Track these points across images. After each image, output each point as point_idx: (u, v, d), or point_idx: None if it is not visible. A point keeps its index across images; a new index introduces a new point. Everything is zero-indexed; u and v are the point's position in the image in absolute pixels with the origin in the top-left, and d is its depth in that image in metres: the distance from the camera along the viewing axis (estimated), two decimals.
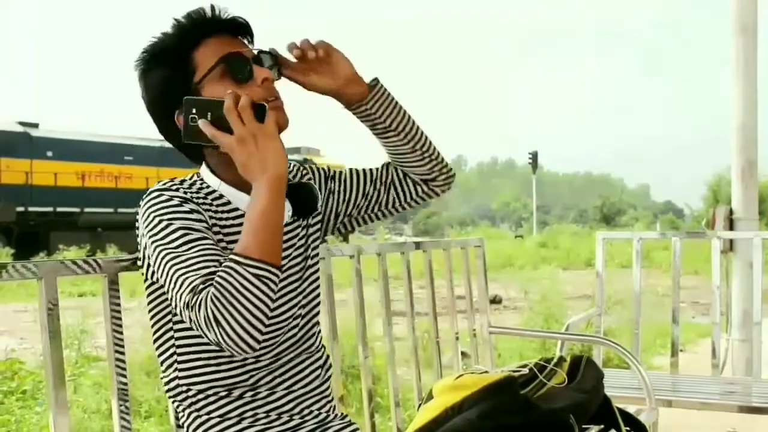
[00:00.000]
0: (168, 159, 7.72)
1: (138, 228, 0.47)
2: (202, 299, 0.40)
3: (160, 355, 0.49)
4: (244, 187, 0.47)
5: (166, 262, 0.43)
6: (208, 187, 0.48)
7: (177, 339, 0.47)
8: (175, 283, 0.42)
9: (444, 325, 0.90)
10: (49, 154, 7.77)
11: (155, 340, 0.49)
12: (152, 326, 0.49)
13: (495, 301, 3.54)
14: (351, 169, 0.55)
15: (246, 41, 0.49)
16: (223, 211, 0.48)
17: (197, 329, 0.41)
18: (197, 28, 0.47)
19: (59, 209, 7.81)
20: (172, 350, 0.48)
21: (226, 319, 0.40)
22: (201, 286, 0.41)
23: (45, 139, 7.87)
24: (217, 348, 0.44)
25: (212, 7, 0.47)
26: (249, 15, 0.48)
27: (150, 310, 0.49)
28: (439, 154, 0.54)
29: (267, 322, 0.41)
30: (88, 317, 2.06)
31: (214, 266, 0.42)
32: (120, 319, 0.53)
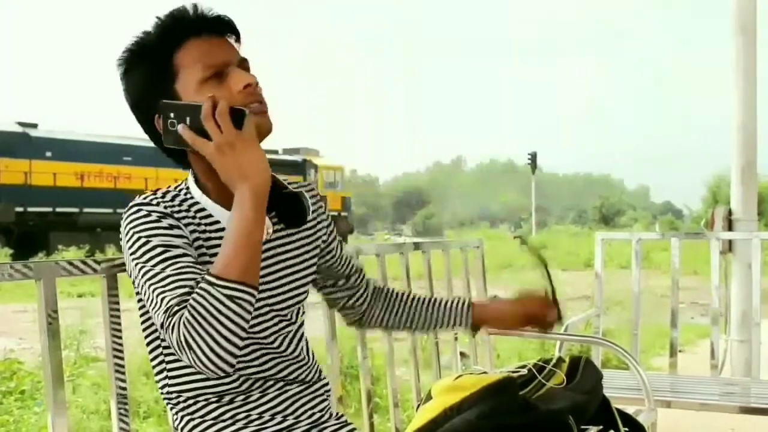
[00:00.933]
0: (167, 159, 7.93)
1: (121, 236, 0.46)
2: (174, 322, 0.40)
3: (152, 360, 0.49)
4: (227, 201, 0.45)
5: (145, 280, 0.43)
6: (192, 198, 0.47)
7: (165, 348, 0.47)
8: (152, 302, 0.42)
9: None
10: (48, 154, 7.80)
11: (147, 345, 0.49)
12: (143, 331, 0.49)
13: None
14: (336, 244, 0.55)
15: (232, 40, 0.47)
16: (206, 224, 0.47)
17: (175, 349, 0.41)
18: (179, 27, 0.45)
19: (58, 209, 7.84)
20: (160, 358, 0.48)
21: (197, 343, 0.39)
22: (176, 308, 0.41)
23: (44, 139, 7.90)
24: None
25: (194, 6, 0.45)
26: (234, 14, 0.46)
27: (141, 316, 0.48)
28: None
29: (241, 344, 0.41)
30: (88, 318, 2.06)
31: (191, 286, 0.42)
32: (119, 320, 0.53)
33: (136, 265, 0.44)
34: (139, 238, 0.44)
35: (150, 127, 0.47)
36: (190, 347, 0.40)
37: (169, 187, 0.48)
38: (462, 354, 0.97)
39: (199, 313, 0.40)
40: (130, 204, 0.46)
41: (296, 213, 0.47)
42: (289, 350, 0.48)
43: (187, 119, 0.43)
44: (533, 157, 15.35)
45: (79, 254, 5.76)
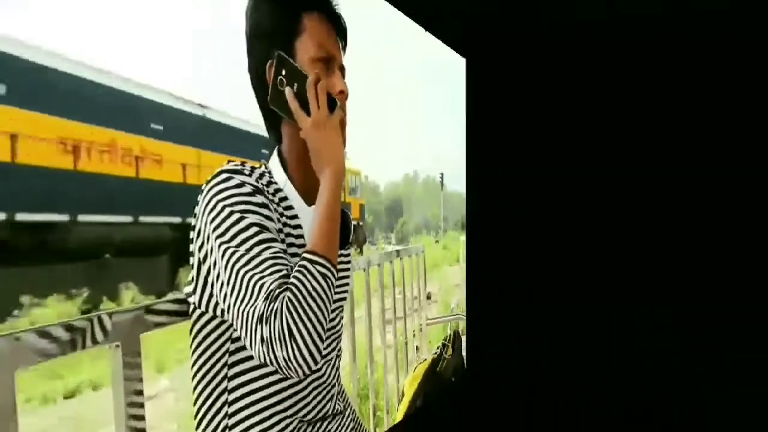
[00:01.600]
0: (216, 139, 3.40)
1: (196, 218, 0.34)
2: (277, 308, 0.29)
3: (204, 401, 0.34)
4: (307, 192, 0.37)
5: (239, 267, 0.31)
6: (275, 183, 0.36)
7: (231, 366, 0.33)
8: (246, 293, 0.30)
9: (408, 326, 0.91)
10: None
11: (202, 378, 0.34)
12: (199, 357, 0.34)
13: (428, 297, 3.75)
14: None
15: (341, 45, 0.38)
16: (288, 216, 0.36)
17: (266, 353, 0.29)
18: None
19: (19, 218, 2.54)
20: (223, 385, 0.34)
21: (299, 330, 0.29)
22: (277, 291, 0.30)
23: None
24: (273, 390, 0.34)
25: None
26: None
27: (196, 339, 0.35)
28: None
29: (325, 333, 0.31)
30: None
31: (287, 270, 0.31)
32: (142, 410, 0.31)
33: (225, 250, 0.31)
34: (231, 213, 0.31)
35: (260, 69, 0.36)
36: (292, 336, 0.28)
37: (252, 165, 0.36)
38: (417, 348, 0.97)
39: (300, 291, 0.30)
40: (218, 171, 0.33)
41: (342, 232, 0.38)
42: (331, 378, 0.38)
43: (295, 85, 0.35)
44: (442, 177, 15.11)
45: (67, 308, 2.42)
